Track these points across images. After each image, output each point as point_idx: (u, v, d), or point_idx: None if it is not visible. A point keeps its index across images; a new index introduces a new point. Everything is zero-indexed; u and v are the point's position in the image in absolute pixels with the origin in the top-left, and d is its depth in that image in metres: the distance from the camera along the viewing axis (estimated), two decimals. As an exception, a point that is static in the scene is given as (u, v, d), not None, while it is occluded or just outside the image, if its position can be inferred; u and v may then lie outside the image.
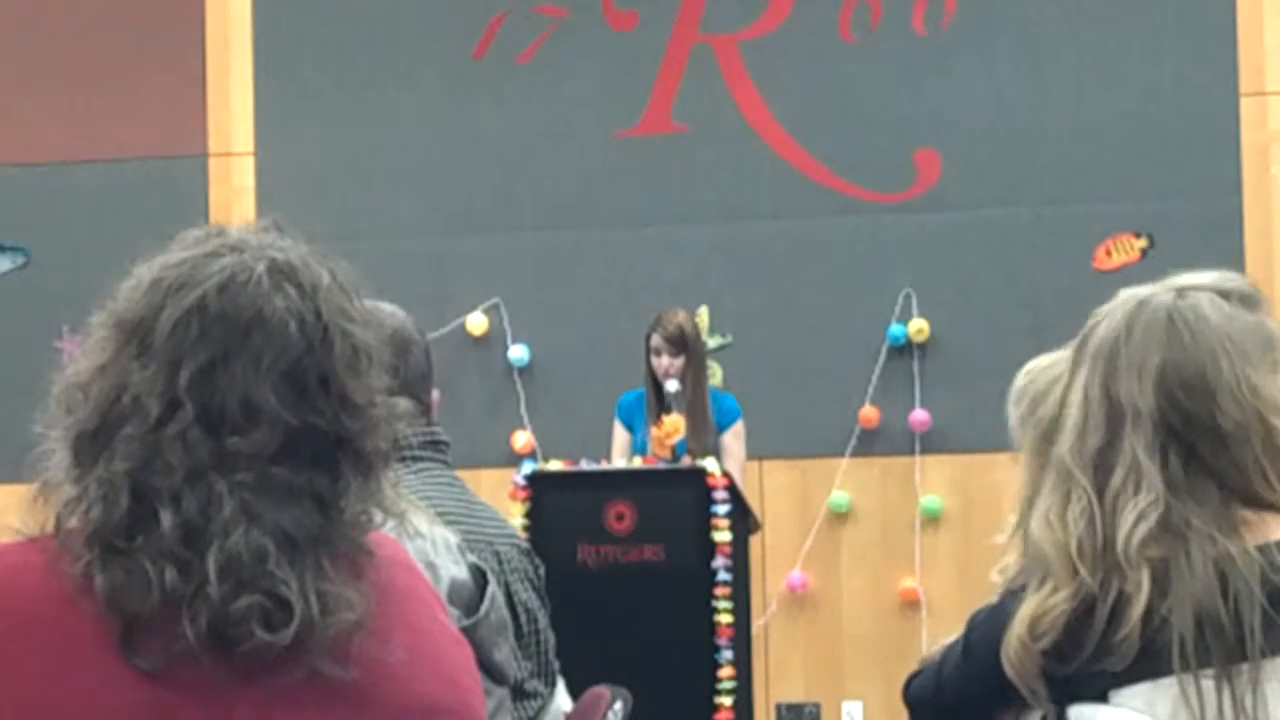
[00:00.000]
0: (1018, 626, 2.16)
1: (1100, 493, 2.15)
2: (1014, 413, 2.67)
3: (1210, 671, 2.08)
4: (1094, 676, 2.12)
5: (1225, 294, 2.22)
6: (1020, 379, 2.70)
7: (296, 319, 1.65)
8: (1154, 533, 2.11)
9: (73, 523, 1.60)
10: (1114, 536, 2.13)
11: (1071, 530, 2.15)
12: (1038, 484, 2.31)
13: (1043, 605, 2.15)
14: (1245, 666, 2.08)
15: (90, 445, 1.62)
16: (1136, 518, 2.11)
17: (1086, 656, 2.11)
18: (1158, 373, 2.16)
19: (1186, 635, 2.07)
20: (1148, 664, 2.10)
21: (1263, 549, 2.10)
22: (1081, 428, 2.19)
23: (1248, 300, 2.23)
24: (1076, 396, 2.22)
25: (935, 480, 7.65)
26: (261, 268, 1.66)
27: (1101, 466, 2.17)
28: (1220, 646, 2.08)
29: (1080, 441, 2.19)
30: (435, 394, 3.23)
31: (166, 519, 1.57)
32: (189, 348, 1.62)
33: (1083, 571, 2.12)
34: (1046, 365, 2.63)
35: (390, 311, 3.04)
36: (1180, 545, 2.11)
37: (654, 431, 6.47)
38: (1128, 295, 2.26)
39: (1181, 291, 2.22)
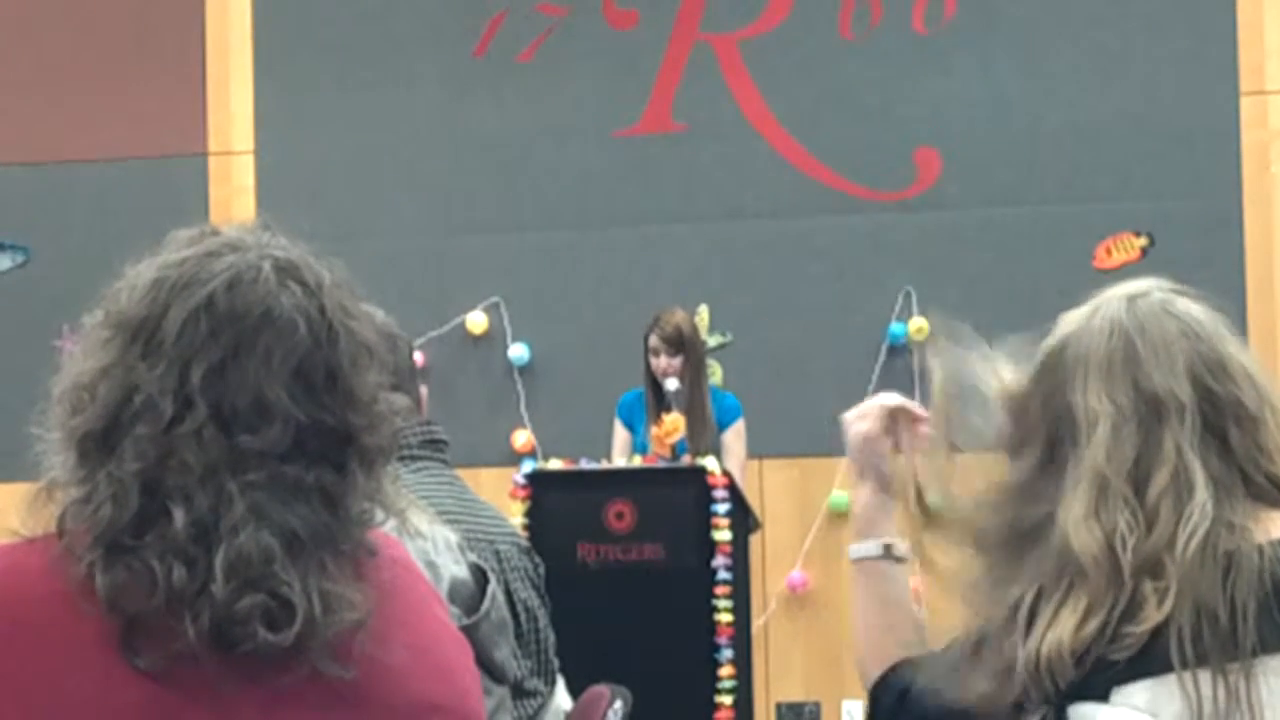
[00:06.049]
0: (1049, 645, 2.05)
1: (1142, 499, 2.07)
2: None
3: (1208, 668, 2.06)
4: (1098, 675, 2.10)
5: (1180, 293, 2.18)
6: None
7: (304, 316, 1.65)
8: (1209, 537, 2.03)
9: (76, 522, 1.59)
10: (1169, 542, 2.04)
11: (1113, 533, 2.05)
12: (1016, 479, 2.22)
13: (1078, 616, 2.04)
14: (1241, 664, 2.05)
15: (99, 445, 1.61)
16: (1193, 526, 2.03)
17: (1095, 656, 2.08)
18: (1186, 361, 2.11)
19: (1185, 630, 2.04)
20: (1149, 660, 2.07)
21: (1273, 543, 2.06)
22: (1114, 434, 2.09)
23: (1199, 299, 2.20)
24: (1095, 403, 2.12)
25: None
26: (267, 266, 1.66)
27: (1140, 472, 2.08)
28: (1216, 642, 2.05)
29: (1116, 449, 2.09)
30: (423, 390, 3.26)
31: (179, 516, 1.56)
32: (199, 346, 1.62)
33: (1126, 574, 2.03)
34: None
35: (371, 310, 3.06)
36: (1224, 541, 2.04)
37: (654, 430, 6.47)
38: (1094, 304, 2.21)
39: (1150, 290, 2.18)
